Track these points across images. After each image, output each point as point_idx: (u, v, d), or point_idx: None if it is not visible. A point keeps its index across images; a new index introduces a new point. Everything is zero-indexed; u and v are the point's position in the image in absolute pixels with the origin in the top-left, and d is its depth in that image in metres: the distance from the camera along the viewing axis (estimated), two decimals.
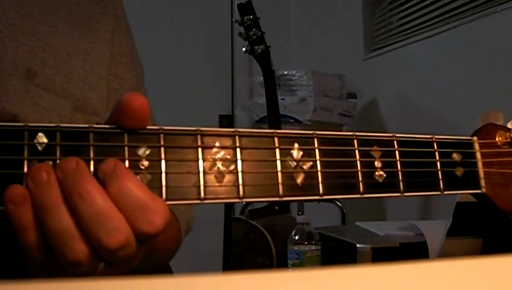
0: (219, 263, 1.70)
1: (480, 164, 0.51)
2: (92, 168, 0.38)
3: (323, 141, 0.44)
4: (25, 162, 0.37)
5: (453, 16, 1.84)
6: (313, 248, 1.25)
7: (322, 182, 0.43)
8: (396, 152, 0.47)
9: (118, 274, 0.40)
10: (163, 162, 0.39)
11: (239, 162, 0.41)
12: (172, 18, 2.62)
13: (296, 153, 0.43)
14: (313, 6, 2.76)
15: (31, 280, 0.26)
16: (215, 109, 2.12)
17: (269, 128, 0.43)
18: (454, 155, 0.50)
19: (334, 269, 0.29)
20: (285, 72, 2.09)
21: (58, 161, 0.37)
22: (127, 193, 0.37)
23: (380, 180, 0.46)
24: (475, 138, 0.52)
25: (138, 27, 0.82)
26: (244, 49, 1.85)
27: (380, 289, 0.28)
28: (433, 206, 1.88)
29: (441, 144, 0.50)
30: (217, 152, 0.41)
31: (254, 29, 1.82)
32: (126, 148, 0.39)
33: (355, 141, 0.45)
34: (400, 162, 0.47)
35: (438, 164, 0.49)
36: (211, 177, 0.40)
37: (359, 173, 0.45)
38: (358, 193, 0.45)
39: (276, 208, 1.75)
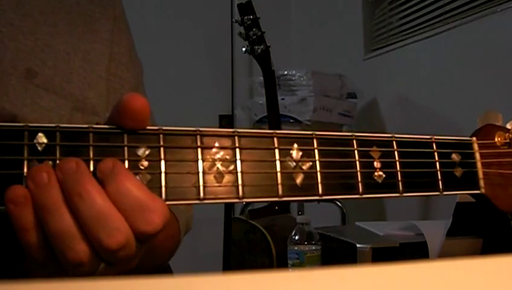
0: (219, 263, 1.70)
1: (479, 165, 0.51)
2: (91, 169, 0.38)
3: (322, 141, 0.44)
4: (25, 162, 0.37)
5: (453, 16, 1.84)
6: (313, 248, 1.25)
7: (321, 183, 0.43)
8: (396, 153, 0.47)
9: (118, 274, 0.40)
10: (162, 163, 0.39)
11: (238, 163, 0.41)
12: (172, 18, 2.62)
13: (295, 154, 0.43)
14: (313, 7, 2.76)
15: (31, 280, 0.26)
16: (215, 109, 2.12)
17: (269, 129, 0.43)
18: (454, 156, 0.50)
19: (334, 269, 0.29)
20: (285, 72, 2.09)
21: (58, 161, 0.37)
22: (125, 192, 0.37)
23: (379, 181, 0.46)
24: (474, 138, 0.52)
25: (138, 27, 0.82)
26: (244, 49, 1.85)
27: (380, 289, 0.28)
28: (433, 206, 1.88)
29: (440, 145, 0.50)
30: (217, 152, 0.41)
31: (254, 29, 1.82)
32: (126, 148, 0.39)
33: (354, 142, 0.46)
34: (399, 162, 0.47)
35: (437, 164, 0.49)
36: (211, 178, 0.40)
37: (358, 174, 0.45)
38: (358, 193, 0.45)
39: (276, 208, 1.75)
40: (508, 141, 0.53)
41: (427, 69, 1.98)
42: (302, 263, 1.25)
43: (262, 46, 1.81)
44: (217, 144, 0.41)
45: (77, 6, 0.63)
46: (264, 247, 1.53)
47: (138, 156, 0.39)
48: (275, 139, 0.43)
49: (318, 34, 2.73)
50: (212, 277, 0.27)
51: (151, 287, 0.27)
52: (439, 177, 0.49)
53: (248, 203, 1.78)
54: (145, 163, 0.39)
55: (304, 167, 0.43)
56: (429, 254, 1.06)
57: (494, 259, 0.33)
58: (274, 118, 1.79)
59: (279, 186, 0.42)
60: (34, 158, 0.37)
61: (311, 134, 0.44)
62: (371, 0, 2.35)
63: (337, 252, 1.22)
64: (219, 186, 0.40)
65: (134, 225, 0.37)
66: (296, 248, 1.26)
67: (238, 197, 0.40)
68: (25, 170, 0.37)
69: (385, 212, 2.16)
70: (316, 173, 0.43)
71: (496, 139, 0.53)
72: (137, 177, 0.38)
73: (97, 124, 0.39)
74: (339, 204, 1.98)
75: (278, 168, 0.42)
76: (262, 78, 1.84)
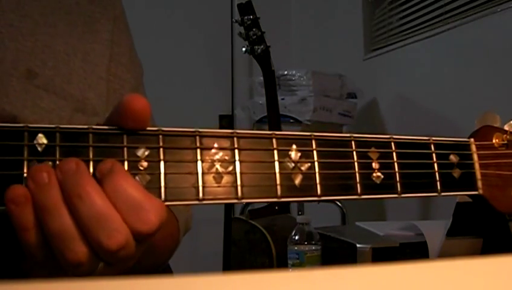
0: (219, 263, 1.70)
1: (477, 166, 0.51)
2: (91, 169, 0.38)
3: (321, 142, 0.44)
4: (25, 163, 0.37)
5: (453, 16, 1.84)
6: (313, 248, 1.25)
7: (319, 183, 0.43)
8: (394, 154, 0.47)
9: (117, 273, 0.40)
10: (162, 163, 0.39)
11: (237, 163, 0.41)
12: (172, 18, 2.62)
13: (294, 154, 0.43)
14: (313, 7, 2.76)
15: (31, 280, 0.26)
16: (215, 109, 2.12)
17: (269, 129, 0.44)
18: (452, 157, 0.50)
19: (334, 269, 0.29)
20: (285, 72, 2.09)
21: (58, 162, 0.37)
22: (122, 192, 0.37)
23: (378, 182, 0.46)
24: (472, 139, 0.52)
25: (138, 27, 0.82)
26: (244, 49, 1.85)
27: (380, 289, 0.28)
28: (433, 206, 1.88)
29: (438, 146, 0.50)
30: (216, 153, 0.41)
31: (254, 29, 1.82)
32: (125, 149, 0.39)
33: (352, 143, 0.46)
34: (398, 163, 0.47)
35: (435, 165, 0.49)
36: (210, 178, 0.40)
37: (357, 174, 0.45)
38: (356, 194, 0.45)
39: (276, 208, 1.74)
40: (505, 142, 0.53)
41: (427, 69, 1.98)
42: (302, 263, 1.25)
43: (262, 46, 1.81)
44: (216, 145, 0.41)
45: (77, 6, 0.63)
46: (264, 247, 1.53)
47: (138, 156, 0.39)
48: (274, 140, 0.43)
49: (318, 34, 2.73)
50: (212, 277, 0.27)
51: (151, 287, 0.27)
52: (437, 178, 0.49)
53: (248, 204, 1.78)
54: (145, 164, 0.39)
55: (303, 168, 0.43)
56: (429, 254, 1.05)
57: (494, 259, 0.33)
58: (274, 118, 1.79)
59: (278, 187, 0.42)
60: (34, 159, 0.37)
61: (310, 135, 0.44)
62: (371, 0, 2.35)
63: (337, 252, 1.22)
64: (218, 186, 0.40)
65: (131, 225, 0.37)
66: (296, 248, 1.26)
67: (237, 198, 0.41)
68: (25, 170, 0.37)
69: (385, 213, 2.16)
70: (315, 173, 0.43)
71: (494, 141, 0.53)
72: (137, 177, 0.39)
73: (97, 124, 0.40)
74: (339, 204, 1.98)
75: (277, 169, 0.42)
76: (262, 78, 1.84)
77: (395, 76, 2.17)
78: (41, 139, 0.37)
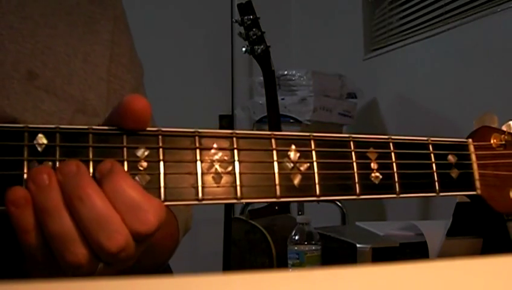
0: (219, 263, 1.70)
1: (475, 166, 0.51)
2: (91, 169, 0.38)
3: (319, 142, 0.44)
4: (25, 163, 0.37)
5: (453, 16, 1.84)
6: (313, 248, 1.26)
7: (318, 183, 0.43)
8: (392, 154, 0.47)
9: (116, 273, 0.40)
10: (161, 163, 0.39)
11: (236, 164, 0.41)
12: (172, 18, 2.62)
13: (293, 155, 0.43)
14: (313, 7, 2.76)
15: (31, 280, 0.26)
16: (215, 109, 2.12)
17: (269, 129, 0.44)
18: (450, 157, 0.51)
19: (334, 269, 0.29)
20: (285, 72, 2.09)
21: (57, 162, 0.37)
22: (120, 192, 0.37)
23: (376, 182, 0.46)
24: (470, 140, 0.52)
25: (138, 27, 0.82)
26: (244, 49, 1.85)
27: (380, 289, 0.28)
28: (432, 206, 1.88)
29: (437, 146, 0.50)
30: (215, 153, 0.41)
31: (254, 29, 1.82)
32: (125, 149, 0.39)
33: (351, 143, 0.46)
34: (396, 163, 0.47)
35: (434, 165, 0.49)
36: (209, 178, 0.40)
37: (355, 175, 0.45)
38: (355, 194, 0.45)
39: (276, 208, 1.74)
40: (503, 142, 0.53)
41: (427, 69, 1.98)
42: (302, 263, 1.25)
43: (262, 46, 1.81)
44: (215, 145, 0.41)
45: (77, 7, 0.63)
46: (264, 247, 1.53)
47: (137, 157, 0.39)
48: (273, 141, 0.43)
49: (318, 34, 2.74)
50: (212, 277, 0.27)
51: (151, 287, 0.27)
52: (436, 178, 0.49)
53: (248, 204, 1.78)
54: (144, 164, 0.39)
55: (302, 168, 0.43)
56: (429, 254, 1.06)
57: (494, 259, 0.33)
58: (274, 118, 1.79)
59: (277, 187, 0.42)
60: (34, 159, 0.37)
61: (309, 135, 0.44)
62: (371, 0, 2.35)
63: (337, 252, 1.22)
64: (217, 187, 0.41)
65: (130, 225, 0.37)
66: (296, 248, 1.26)
67: (236, 198, 0.41)
68: (25, 170, 0.37)
69: (385, 212, 2.16)
70: (314, 174, 0.43)
71: (492, 141, 0.53)
72: (137, 178, 0.39)
73: (98, 125, 0.40)
74: (339, 204, 1.98)
75: (276, 169, 0.42)
76: (262, 78, 1.84)
77: (395, 76, 2.17)
78: (41, 139, 0.38)
